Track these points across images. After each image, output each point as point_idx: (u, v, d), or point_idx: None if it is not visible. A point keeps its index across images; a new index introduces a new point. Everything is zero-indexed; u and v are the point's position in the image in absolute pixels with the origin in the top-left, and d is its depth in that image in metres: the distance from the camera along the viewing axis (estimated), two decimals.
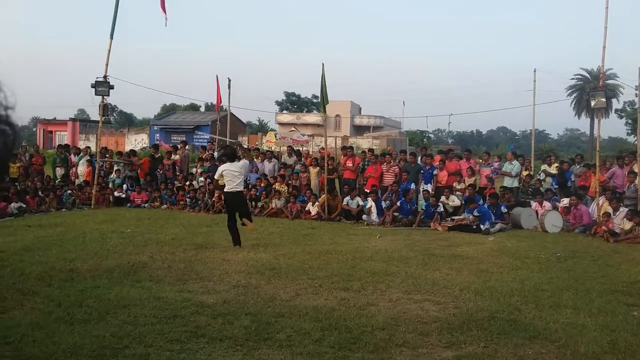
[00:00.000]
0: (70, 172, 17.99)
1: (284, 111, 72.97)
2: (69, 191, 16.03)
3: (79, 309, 5.84)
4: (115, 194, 16.74)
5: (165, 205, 16.07)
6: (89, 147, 18.90)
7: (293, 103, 78.48)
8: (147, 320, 5.54)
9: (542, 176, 15.40)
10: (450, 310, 6.17)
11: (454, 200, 14.19)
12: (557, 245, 10.84)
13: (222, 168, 10.02)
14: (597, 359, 4.79)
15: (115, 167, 17.93)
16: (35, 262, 8.11)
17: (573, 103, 63.66)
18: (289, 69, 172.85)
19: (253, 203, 15.29)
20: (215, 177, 10.48)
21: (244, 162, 10.61)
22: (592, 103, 13.38)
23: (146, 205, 16.27)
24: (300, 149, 22.77)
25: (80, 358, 4.56)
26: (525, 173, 15.28)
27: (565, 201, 13.66)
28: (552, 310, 6.20)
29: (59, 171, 17.97)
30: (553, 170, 15.44)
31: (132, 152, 20.10)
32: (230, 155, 10.38)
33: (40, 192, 15.22)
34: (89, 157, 17.90)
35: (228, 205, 10.33)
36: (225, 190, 10.10)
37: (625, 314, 6.11)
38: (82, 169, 17.75)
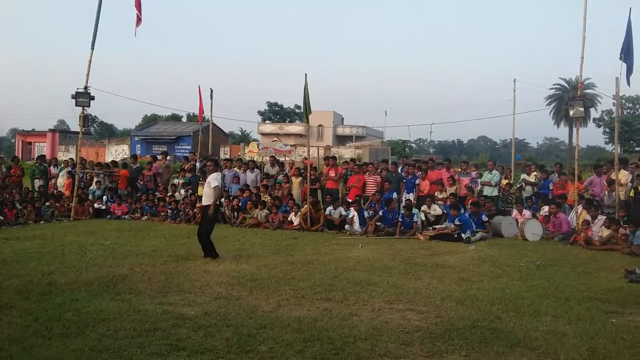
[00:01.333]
0: (50, 184, 17.76)
1: (267, 121, 72.96)
2: (47, 203, 15.81)
3: (57, 322, 5.75)
4: (95, 205, 16.56)
5: (145, 217, 15.93)
6: (71, 159, 18.67)
7: (275, 113, 78.53)
8: (127, 333, 5.47)
9: (523, 185, 15.59)
10: (432, 319, 6.19)
11: (436, 210, 14.28)
12: (536, 254, 10.94)
13: (217, 180, 9.90)
14: None
15: (96, 179, 17.74)
16: (12, 275, 7.98)
17: (552, 112, 64.53)
18: (272, 79, 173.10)
19: (235, 214, 15.23)
20: (216, 184, 9.85)
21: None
22: (571, 112, 13.56)
23: (126, 216, 16.11)
24: (283, 159, 22.77)
25: None
26: (504, 182, 15.44)
27: (545, 209, 13.81)
28: (532, 318, 6.26)
29: (37, 183, 17.73)
30: (532, 179, 15.62)
31: (113, 163, 19.94)
32: (216, 165, 10.42)
33: (18, 205, 14.98)
34: (69, 169, 17.69)
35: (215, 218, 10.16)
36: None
37: (604, 321, 6.18)
38: (61, 180, 17.54)
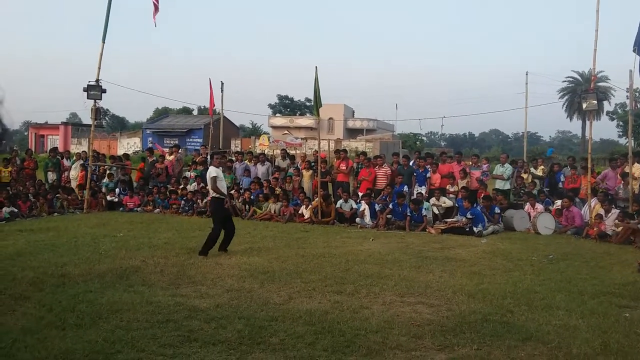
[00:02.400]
0: (63, 176, 17.90)
1: (277, 114, 73.01)
2: (57, 195, 15.94)
3: (71, 314, 5.82)
4: (108, 198, 16.68)
5: (157, 209, 16.02)
6: (84, 152, 18.79)
7: (286, 106, 78.54)
8: (140, 324, 5.52)
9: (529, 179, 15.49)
10: (443, 312, 6.18)
11: (445, 202, 14.23)
12: (549, 247, 10.88)
13: (217, 172, 9.86)
14: None
15: (108, 171, 17.86)
16: (27, 267, 8.07)
17: (565, 105, 64.05)
18: (282, 72, 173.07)
19: (247, 206, 15.28)
20: (215, 174, 9.78)
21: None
22: (584, 105, 13.44)
23: (139, 209, 16.21)
24: (294, 152, 22.78)
25: None
26: (525, 176, 15.27)
27: (557, 203, 13.72)
28: (544, 312, 6.23)
29: (51, 175, 17.89)
30: (539, 172, 15.52)
31: (126, 156, 20.04)
32: (219, 155, 10.43)
33: (31, 197, 15.13)
34: (82, 162, 17.82)
35: (222, 212, 9.82)
36: (217, 195, 9.81)
37: (617, 316, 6.14)
38: (74, 173, 17.66)
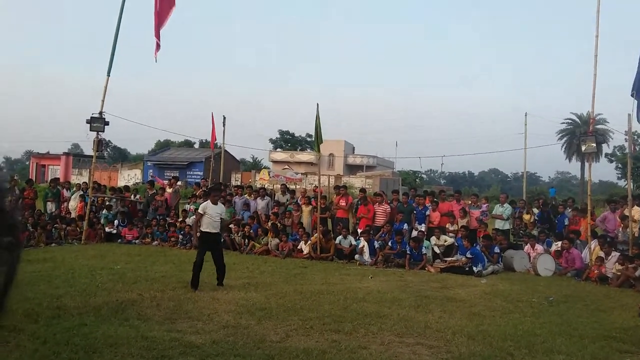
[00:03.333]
0: (62, 207, 17.88)
1: (278, 149, 73.35)
2: (55, 225, 15.89)
3: (65, 347, 5.74)
4: (107, 229, 16.62)
5: (156, 242, 15.95)
6: (85, 183, 18.83)
7: (287, 141, 78.94)
8: None
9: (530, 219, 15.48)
10: (442, 354, 6.10)
11: (446, 240, 14.19)
12: (549, 289, 10.79)
13: (206, 206, 9.98)
14: None
15: (108, 203, 17.85)
16: (22, 298, 7.95)
17: (564, 147, 64.37)
18: (284, 108, 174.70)
19: (246, 240, 15.21)
20: (200, 210, 10.08)
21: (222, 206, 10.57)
22: (583, 148, 13.55)
23: (137, 241, 16.14)
24: (294, 187, 22.80)
25: None
26: (527, 217, 15.27)
27: (557, 244, 13.68)
28: (545, 356, 6.15)
29: (50, 206, 17.86)
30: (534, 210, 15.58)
31: (126, 188, 20.06)
32: (217, 192, 10.56)
33: (30, 227, 15.07)
34: (82, 192, 17.84)
35: (203, 246, 9.88)
36: (205, 230, 9.85)
37: None
38: (73, 203, 17.65)
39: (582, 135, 15.07)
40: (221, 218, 10.17)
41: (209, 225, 9.85)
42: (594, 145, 13.38)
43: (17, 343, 5.86)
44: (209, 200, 10.16)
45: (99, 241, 16.06)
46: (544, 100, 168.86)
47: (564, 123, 64.05)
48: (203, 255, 9.69)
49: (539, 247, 13.69)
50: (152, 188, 18.62)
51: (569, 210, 15.20)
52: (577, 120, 62.78)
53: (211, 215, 9.86)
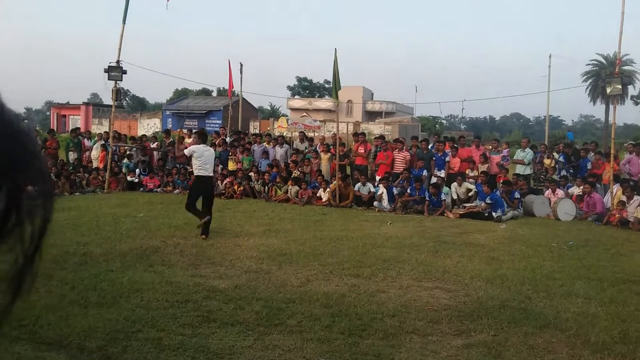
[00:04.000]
0: (84, 156, 18.13)
1: (296, 96, 72.79)
2: (79, 174, 16.17)
3: (93, 292, 5.93)
4: (128, 178, 16.86)
5: (177, 190, 16.15)
6: (106, 132, 18.99)
7: (305, 88, 78.24)
8: (160, 304, 5.61)
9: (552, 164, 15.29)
10: (460, 298, 6.18)
11: (469, 189, 14.11)
12: (569, 234, 10.77)
13: (196, 148, 9.54)
14: (608, 348, 4.78)
15: (128, 152, 18.03)
16: (49, 245, 8.17)
17: (588, 89, 62.84)
18: (301, 54, 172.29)
19: (265, 188, 15.34)
20: (186, 152, 9.75)
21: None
22: (608, 90, 13.22)
23: (158, 189, 16.37)
24: (312, 134, 22.75)
25: (94, 341, 4.63)
26: (548, 161, 15.07)
27: (576, 189, 13.56)
28: (563, 299, 6.19)
29: (72, 155, 18.11)
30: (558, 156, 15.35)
31: (144, 137, 20.20)
32: (203, 136, 10.10)
33: (53, 176, 15.35)
34: (103, 142, 18.02)
35: (198, 190, 9.69)
36: (198, 174, 9.59)
37: (637, 304, 6.07)
38: (95, 153, 17.87)
39: (607, 76, 14.69)
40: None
41: (201, 168, 9.49)
42: (620, 87, 13.05)
43: (48, 289, 6.06)
44: (200, 144, 9.71)
45: (121, 190, 16.32)
46: (569, 42, 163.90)
47: (589, 65, 62.33)
48: (195, 200, 9.51)
49: (560, 192, 13.58)
50: (168, 137, 18.69)
51: (592, 154, 14.97)
52: (603, 61, 61.00)
53: (199, 155, 9.40)
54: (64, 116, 60.59)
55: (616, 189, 12.77)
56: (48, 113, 73.62)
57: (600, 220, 12.32)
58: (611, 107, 15.14)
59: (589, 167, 14.55)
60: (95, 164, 17.55)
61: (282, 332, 4.97)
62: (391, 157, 15.18)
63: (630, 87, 56.11)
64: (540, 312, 5.70)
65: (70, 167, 17.09)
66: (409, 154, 15.29)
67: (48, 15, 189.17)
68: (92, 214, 11.61)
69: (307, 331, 5.00)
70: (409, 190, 13.73)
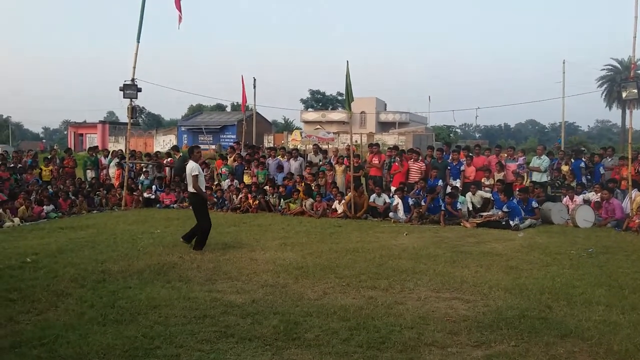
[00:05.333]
0: (101, 174, 18.33)
1: (309, 109, 73.08)
2: (98, 192, 16.36)
3: (111, 309, 5.97)
4: (145, 195, 16.99)
5: None
6: (121, 150, 19.18)
7: (318, 101, 78.53)
8: (178, 320, 5.63)
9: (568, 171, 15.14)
10: (479, 308, 6.11)
11: (483, 196, 14.02)
12: (588, 241, 10.63)
13: (198, 169, 9.77)
14: (631, 357, 4.70)
15: (144, 169, 18.19)
16: (68, 263, 8.29)
17: (604, 94, 62.35)
18: (314, 67, 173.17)
19: (281, 202, 15.37)
20: (196, 172, 9.70)
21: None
22: (624, 94, 13.06)
23: (175, 205, 16.47)
24: (326, 146, 22.78)
25: (113, 358, 4.65)
26: (565, 168, 14.93)
27: (592, 194, 13.39)
28: (584, 307, 6.10)
29: (90, 173, 18.32)
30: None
31: (158, 154, 20.36)
32: (197, 148, 10.31)
33: (71, 195, 15.54)
34: (118, 160, 18.22)
35: (205, 207, 10.00)
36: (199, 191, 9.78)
37: None
38: (112, 171, 18.08)
39: (622, 81, 14.52)
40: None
41: (202, 183, 9.95)
42: (636, 91, 12.87)
43: (66, 307, 6.13)
44: (192, 159, 9.88)
45: (138, 207, 16.44)
46: (584, 47, 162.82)
47: (603, 70, 62.01)
48: (209, 216, 9.89)
49: (578, 199, 13.43)
50: (178, 152, 18.79)
51: (608, 159, 14.80)
52: (618, 66, 60.55)
53: (202, 174, 9.90)
54: (81, 135, 61.44)
55: (634, 194, 12.59)
56: (65, 132, 74.62)
57: (619, 227, 12.15)
58: (627, 111, 14.94)
59: (602, 172, 14.39)
60: (113, 181, 17.73)
61: (300, 347, 4.95)
62: (406, 166, 15.14)
63: None
64: (561, 321, 5.62)
65: (88, 186, 17.28)
66: (424, 164, 15.24)
67: (63, 34, 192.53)
68: (110, 231, 11.71)
69: (325, 345, 4.97)
70: (423, 202, 13.63)
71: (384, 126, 62.96)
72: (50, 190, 15.74)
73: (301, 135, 33.21)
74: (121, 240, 10.55)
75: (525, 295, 6.62)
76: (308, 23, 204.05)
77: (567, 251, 9.57)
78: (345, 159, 16.12)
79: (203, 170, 10.82)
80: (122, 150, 19.11)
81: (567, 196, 13.68)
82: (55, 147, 21.76)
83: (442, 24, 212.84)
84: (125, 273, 7.74)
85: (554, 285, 7.11)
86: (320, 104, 77.25)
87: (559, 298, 6.47)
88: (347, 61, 14.19)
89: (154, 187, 17.30)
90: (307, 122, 63.81)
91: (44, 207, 14.16)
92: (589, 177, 14.73)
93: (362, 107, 59.21)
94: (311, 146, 20.48)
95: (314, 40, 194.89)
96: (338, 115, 63.58)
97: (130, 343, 4.97)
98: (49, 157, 18.70)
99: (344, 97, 15.32)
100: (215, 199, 15.97)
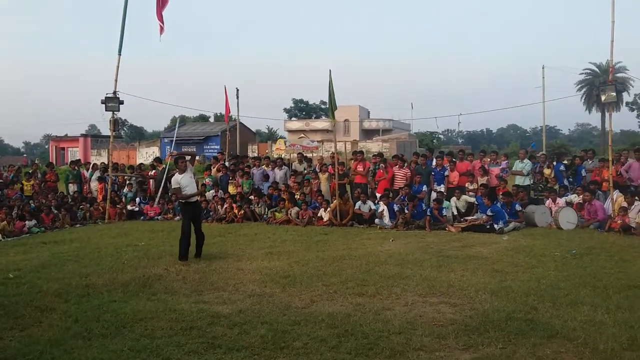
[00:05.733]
0: (84, 187, 18.14)
1: (293, 118, 73.17)
2: (81, 206, 16.20)
3: (96, 323, 5.89)
4: (129, 207, 16.86)
5: (177, 217, 16.12)
6: (103, 163, 19.01)
7: (301, 110, 78.66)
8: (164, 332, 5.57)
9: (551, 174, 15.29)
10: (466, 312, 6.14)
11: (467, 200, 14.11)
12: (572, 242, 10.74)
13: (178, 182, 9.86)
14: (617, 356, 4.75)
15: (128, 181, 18.05)
16: (51, 278, 8.19)
17: (583, 98, 63.21)
18: (297, 76, 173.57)
19: (266, 211, 15.35)
20: (175, 185, 9.96)
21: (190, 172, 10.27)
22: (603, 98, 13.26)
23: (159, 217, 16.36)
24: (311, 155, 22.80)
25: None
26: (547, 171, 15.07)
27: (574, 197, 13.54)
28: (569, 308, 6.15)
29: (72, 187, 18.13)
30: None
31: (142, 166, 20.20)
32: (181, 159, 10.37)
33: (54, 209, 15.36)
34: (99, 174, 18.08)
35: (189, 214, 9.95)
36: (188, 200, 9.89)
37: None
38: (94, 184, 17.92)
39: (601, 84, 14.73)
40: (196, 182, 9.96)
41: (191, 189, 9.91)
42: (614, 94, 13.10)
43: (50, 322, 6.04)
44: (178, 171, 10.06)
45: (122, 219, 16.30)
46: (562, 52, 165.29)
47: (582, 74, 62.85)
48: (189, 225, 9.70)
49: (560, 201, 13.58)
50: (160, 164, 18.66)
51: (589, 161, 15.00)
52: (597, 70, 61.48)
53: (183, 185, 9.81)
54: (63, 149, 60.86)
55: (616, 195, 12.76)
56: (47, 146, 73.85)
57: (602, 228, 12.30)
58: (607, 114, 15.16)
59: (583, 175, 14.57)
60: (95, 195, 17.57)
61: (289, 355, 4.93)
62: (391, 172, 15.20)
63: (624, 94, 56.49)
64: (547, 322, 5.67)
65: (70, 200, 17.10)
66: (409, 170, 15.31)
67: (43, 47, 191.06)
68: (94, 245, 11.59)
69: (314, 353, 4.96)
70: (406, 210, 13.66)
71: (368, 133, 63.21)
72: (32, 205, 15.56)
73: (285, 144, 33.25)
74: (105, 253, 10.44)
75: (511, 297, 6.67)
76: (291, 31, 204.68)
77: (551, 253, 9.66)
78: (330, 166, 16.14)
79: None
80: (104, 163, 18.94)
81: (549, 199, 13.82)
82: (36, 162, 21.51)
83: (425, 31, 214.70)
84: (110, 286, 7.66)
85: (539, 287, 7.16)
86: (304, 113, 77.37)
87: (545, 299, 6.52)
88: (330, 70, 14.29)
89: (137, 199, 17.17)
90: (291, 131, 63.87)
91: (26, 222, 13.97)
92: (571, 179, 14.89)
93: (345, 115, 59.42)
94: (296, 155, 20.48)
95: (297, 50, 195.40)
96: (322, 123, 63.73)
97: (116, 357, 4.91)
98: (30, 171, 18.50)
99: (328, 106, 15.36)
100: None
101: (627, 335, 5.15)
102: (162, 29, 15.92)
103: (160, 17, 15.79)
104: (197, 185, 10.11)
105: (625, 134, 75.05)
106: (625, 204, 12.25)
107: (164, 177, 17.08)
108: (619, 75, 51.41)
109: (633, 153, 14.49)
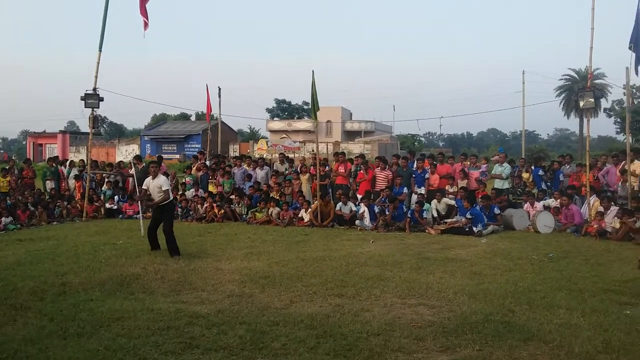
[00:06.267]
0: (62, 185, 17.89)
1: (275, 118, 73.03)
2: (58, 204, 15.97)
3: (72, 322, 5.81)
4: (107, 205, 16.66)
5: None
6: (82, 160, 18.75)
7: (284, 110, 78.54)
8: (141, 332, 5.51)
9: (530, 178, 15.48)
10: (444, 314, 6.18)
11: (448, 203, 14.21)
12: (549, 246, 10.88)
13: (148, 181, 10.43)
14: (591, 358, 4.82)
15: (106, 179, 17.84)
16: (27, 276, 8.06)
17: (562, 103, 64.09)
18: (279, 77, 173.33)
19: (246, 211, 15.29)
20: (144, 187, 10.61)
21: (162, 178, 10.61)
22: (581, 103, 13.46)
23: (138, 216, 16.17)
24: (293, 155, 22.77)
25: None
26: (526, 175, 15.25)
27: (555, 201, 13.72)
28: (545, 311, 6.23)
29: (49, 184, 17.86)
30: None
31: (122, 164, 20.01)
32: (154, 164, 11.07)
33: (30, 206, 15.13)
34: (77, 172, 17.84)
35: (155, 213, 10.51)
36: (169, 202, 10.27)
37: (618, 313, 6.14)
38: (72, 182, 17.69)
39: (580, 90, 14.96)
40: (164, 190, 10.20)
41: (153, 197, 10.35)
42: (592, 100, 13.29)
43: (25, 321, 5.95)
44: (150, 175, 10.49)
45: (100, 217, 16.11)
46: (542, 58, 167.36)
47: (561, 79, 63.72)
48: (153, 224, 10.33)
49: (538, 205, 13.75)
50: (140, 162, 18.45)
51: (567, 166, 15.21)
52: (575, 75, 62.37)
53: (151, 190, 10.28)
54: (41, 145, 60.00)
55: (593, 200, 12.96)
56: (24, 142, 72.71)
57: (578, 232, 12.49)
58: (585, 120, 15.38)
59: (561, 179, 14.78)
60: (73, 192, 17.34)
61: (267, 356, 4.91)
62: (372, 173, 15.24)
63: (602, 100, 57.35)
64: (524, 324, 5.73)
65: (48, 197, 16.86)
66: (390, 172, 15.36)
67: (22, 42, 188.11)
68: (71, 243, 11.43)
69: (292, 354, 4.95)
70: (386, 212, 13.71)
71: (350, 135, 63.33)
72: (9, 201, 15.30)
73: (267, 144, 33.17)
74: (82, 251, 10.31)
75: (489, 300, 6.73)
76: (274, 31, 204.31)
77: (528, 256, 9.78)
78: (312, 167, 16.13)
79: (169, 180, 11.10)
80: (83, 161, 18.69)
81: (528, 202, 14.00)
82: (13, 158, 21.15)
83: (406, 33, 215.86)
84: (86, 285, 7.56)
85: (517, 289, 7.24)
86: (286, 113, 77.26)
87: (521, 302, 6.59)
88: (313, 71, 14.31)
89: (116, 197, 16.97)
90: (273, 131, 63.75)
91: (2, 218, 13.73)
92: (549, 184, 15.09)
93: (327, 116, 59.46)
94: (277, 155, 20.43)
95: (280, 49, 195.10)
96: (304, 124, 63.71)
97: (92, 356, 4.85)
98: (6, 167, 18.17)
99: (310, 106, 15.36)
100: (179, 209, 15.75)
101: (602, 338, 5.23)
102: (146, 24, 15.77)
103: (144, 12, 15.64)
104: (169, 192, 10.34)
105: (603, 140, 76.36)
106: (601, 209, 12.45)
107: (143, 176, 16.84)
108: (597, 81, 52.21)
109: (611, 158, 14.74)
